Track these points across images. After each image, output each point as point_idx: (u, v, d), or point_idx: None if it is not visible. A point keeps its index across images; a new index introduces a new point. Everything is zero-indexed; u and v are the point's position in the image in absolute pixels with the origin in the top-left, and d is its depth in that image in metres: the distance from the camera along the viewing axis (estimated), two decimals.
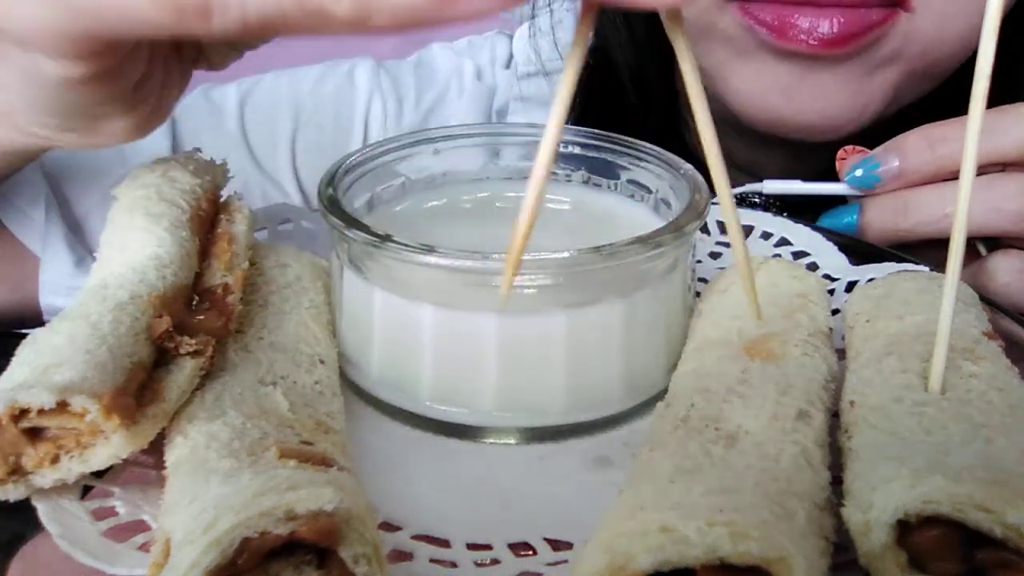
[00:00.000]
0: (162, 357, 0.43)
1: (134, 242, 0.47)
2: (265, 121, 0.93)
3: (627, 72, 0.88)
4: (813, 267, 0.60)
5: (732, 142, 0.86)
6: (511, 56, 1.05)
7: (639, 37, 0.87)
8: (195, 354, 0.43)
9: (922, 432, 0.38)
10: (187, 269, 0.48)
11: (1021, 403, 0.40)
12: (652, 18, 0.84)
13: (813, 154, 0.77)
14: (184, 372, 0.42)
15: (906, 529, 0.34)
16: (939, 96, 0.75)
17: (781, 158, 0.83)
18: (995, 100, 0.62)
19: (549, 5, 0.99)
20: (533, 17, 1.00)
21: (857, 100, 0.71)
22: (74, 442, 0.38)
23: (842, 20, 0.66)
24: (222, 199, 0.55)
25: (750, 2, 0.69)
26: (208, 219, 0.52)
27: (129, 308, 0.43)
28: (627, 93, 0.88)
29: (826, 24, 0.66)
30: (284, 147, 0.93)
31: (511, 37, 1.04)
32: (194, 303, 0.48)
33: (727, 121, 0.81)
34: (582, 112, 0.89)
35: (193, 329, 0.45)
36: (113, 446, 0.38)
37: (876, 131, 0.72)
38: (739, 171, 0.88)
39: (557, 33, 0.97)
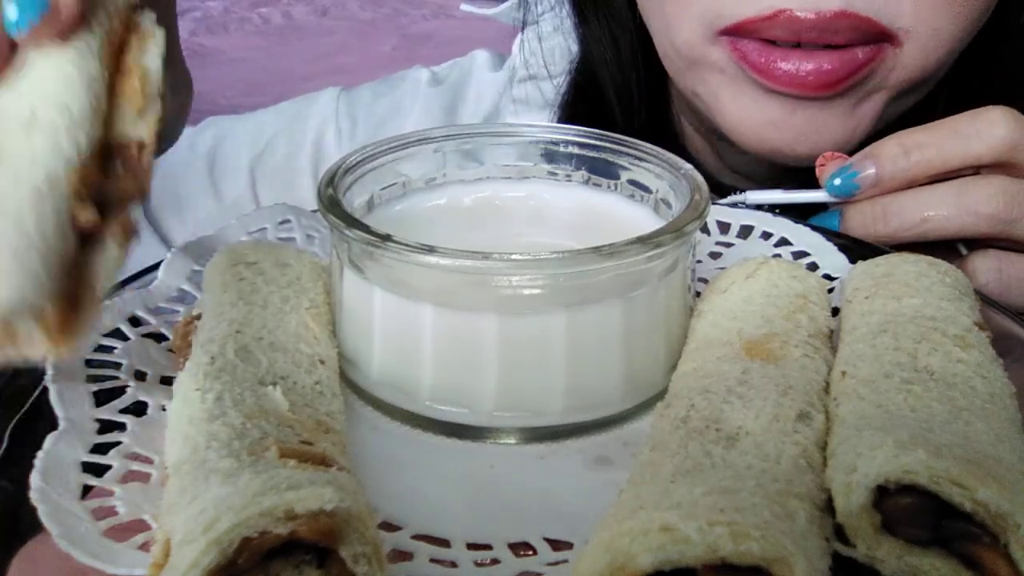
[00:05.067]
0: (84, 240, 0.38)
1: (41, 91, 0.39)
2: (229, 154, 1.03)
3: (612, 88, 0.90)
4: (813, 267, 0.60)
5: (723, 145, 0.86)
6: (501, 60, 1.07)
7: (625, 56, 0.88)
8: (121, 237, 0.39)
9: (907, 408, 0.41)
10: (99, 121, 0.40)
11: (1002, 392, 0.43)
12: (638, 36, 0.85)
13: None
14: (111, 256, 0.38)
15: (883, 494, 0.36)
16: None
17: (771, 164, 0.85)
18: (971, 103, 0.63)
19: (538, 17, 1.00)
20: (524, 26, 1.01)
21: (847, 129, 0.73)
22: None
23: (828, 66, 0.67)
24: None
25: (740, 38, 0.70)
26: (118, 43, 0.42)
27: (50, 199, 0.36)
28: (612, 109, 0.90)
29: (811, 66, 0.68)
30: (244, 175, 1.03)
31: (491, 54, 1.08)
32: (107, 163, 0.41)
33: (716, 131, 0.82)
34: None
35: (109, 194, 0.39)
36: (48, 351, 0.35)
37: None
38: (734, 174, 0.88)
39: (549, 41, 0.99)
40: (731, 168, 0.89)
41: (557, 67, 0.98)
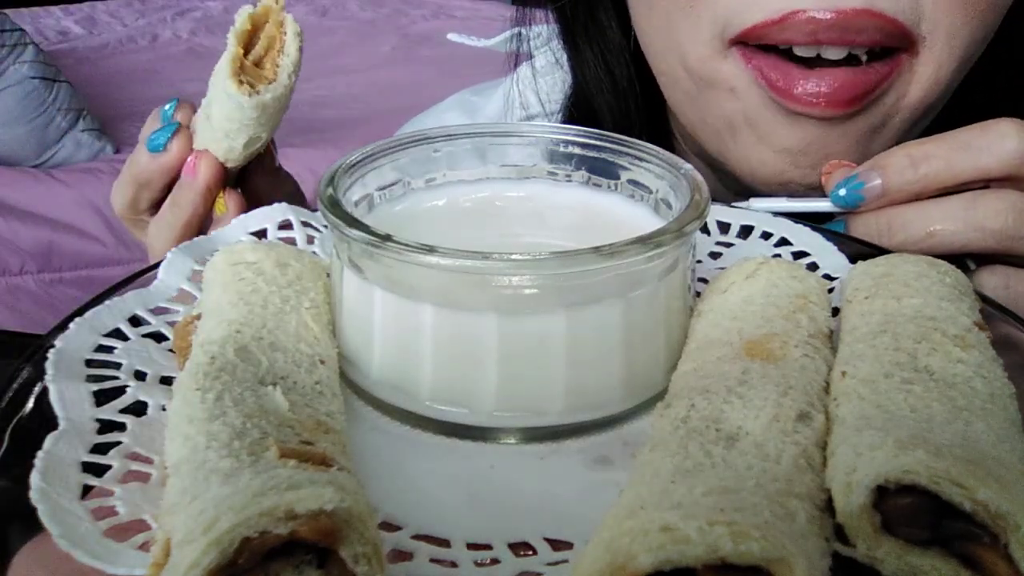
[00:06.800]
0: None
1: None
2: None
3: (609, 117, 0.89)
4: (813, 267, 0.60)
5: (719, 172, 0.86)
6: (480, 100, 1.07)
7: (621, 84, 0.87)
8: None
9: (907, 408, 0.41)
10: None
11: (1001, 392, 0.43)
12: (633, 62, 0.84)
13: None
14: None
15: (883, 494, 0.36)
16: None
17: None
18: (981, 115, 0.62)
19: (534, 51, 0.99)
20: (517, 62, 1.00)
21: (863, 158, 0.71)
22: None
23: (850, 80, 0.66)
24: None
25: (755, 51, 0.69)
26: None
27: None
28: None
29: (834, 83, 0.67)
30: None
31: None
32: None
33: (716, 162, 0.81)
34: None
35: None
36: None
37: None
38: (735, 196, 0.88)
39: (547, 77, 0.97)
40: (732, 191, 0.88)
41: (555, 104, 0.96)
